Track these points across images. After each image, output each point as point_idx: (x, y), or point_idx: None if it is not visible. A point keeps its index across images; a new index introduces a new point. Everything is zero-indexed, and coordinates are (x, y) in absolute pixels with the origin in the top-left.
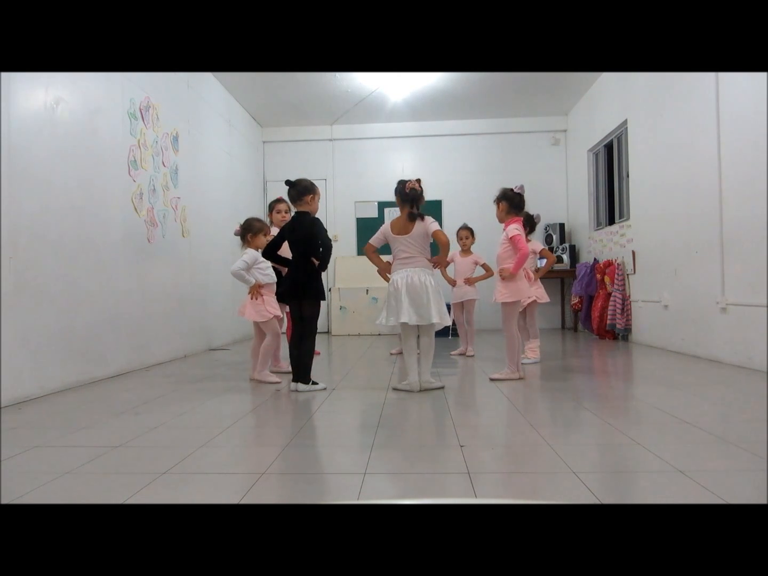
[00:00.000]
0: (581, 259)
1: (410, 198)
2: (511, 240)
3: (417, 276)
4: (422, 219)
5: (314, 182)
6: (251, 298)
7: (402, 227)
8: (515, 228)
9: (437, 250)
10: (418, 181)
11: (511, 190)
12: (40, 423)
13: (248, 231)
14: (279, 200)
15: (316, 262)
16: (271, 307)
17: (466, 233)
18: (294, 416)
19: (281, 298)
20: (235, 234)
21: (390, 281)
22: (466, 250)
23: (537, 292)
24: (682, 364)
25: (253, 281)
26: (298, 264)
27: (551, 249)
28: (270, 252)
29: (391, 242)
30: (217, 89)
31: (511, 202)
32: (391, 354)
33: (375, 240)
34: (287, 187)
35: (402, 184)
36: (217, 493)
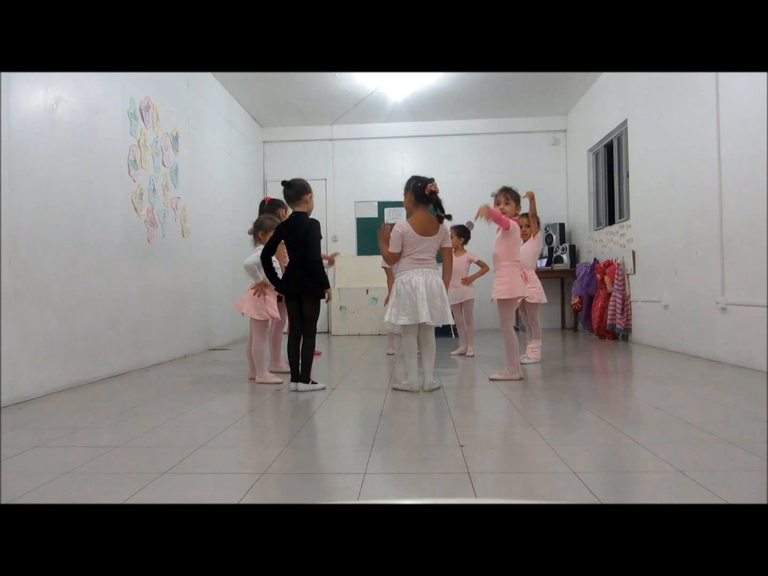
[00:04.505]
0: (581, 259)
1: (433, 200)
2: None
3: (434, 278)
4: (440, 221)
5: (312, 182)
6: (254, 294)
7: (428, 229)
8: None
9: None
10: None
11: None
12: (40, 423)
13: (259, 228)
14: (281, 204)
15: (331, 262)
16: (271, 308)
17: (452, 232)
18: (294, 416)
19: (282, 297)
20: (249, 233)
21: (404, 279)
22: (457, 249)
23: (529, 291)
24: (682, 364)
25: (261, 278)
26: (301, 264)
27: (551, 249)
28: (267, 255)
29: (410, 242)
30: (217, 89)
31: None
32: (389, 354)
33: (397, 246)
34: (283, 188)
35: (419, 181)
36: (217, 493)
